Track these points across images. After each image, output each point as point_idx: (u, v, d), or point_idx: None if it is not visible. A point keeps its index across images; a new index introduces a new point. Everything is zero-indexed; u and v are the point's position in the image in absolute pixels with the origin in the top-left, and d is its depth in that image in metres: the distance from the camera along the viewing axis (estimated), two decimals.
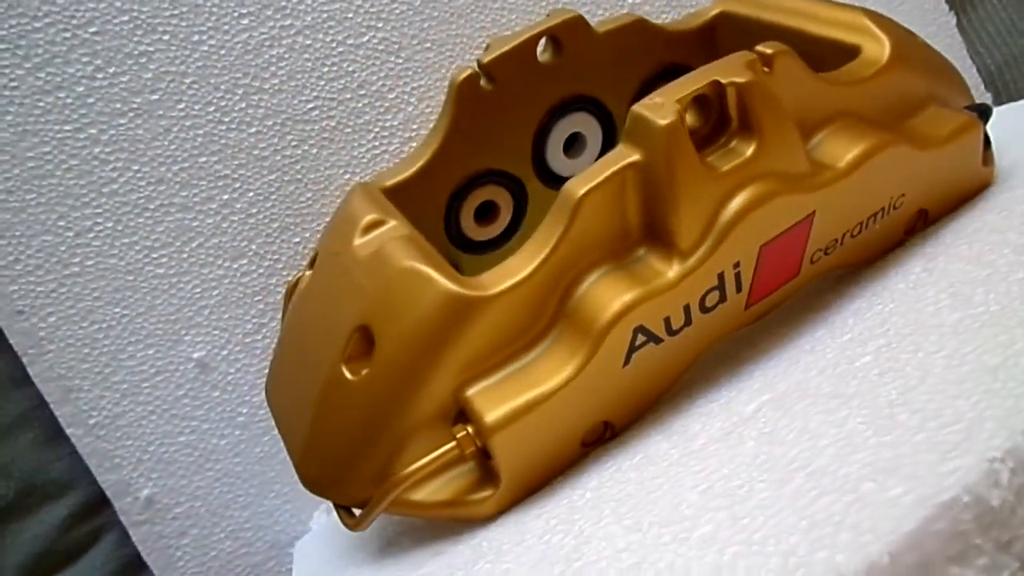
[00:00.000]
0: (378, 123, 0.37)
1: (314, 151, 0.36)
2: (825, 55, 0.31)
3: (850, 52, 0.30)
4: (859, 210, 0.28)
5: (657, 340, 0.25)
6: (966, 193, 0.31)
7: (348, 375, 0.26)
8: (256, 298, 0.36)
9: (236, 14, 0.35)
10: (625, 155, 0.25)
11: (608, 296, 0.25)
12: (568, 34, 0.33)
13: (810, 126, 0.27)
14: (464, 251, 0.35)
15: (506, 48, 0.32)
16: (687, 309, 0.25)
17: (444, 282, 0.25)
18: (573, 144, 0.35)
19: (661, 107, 0.24)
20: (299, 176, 0.36)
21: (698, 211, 0.25)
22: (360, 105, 0.37)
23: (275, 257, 0.36)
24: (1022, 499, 0.15)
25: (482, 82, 0.32)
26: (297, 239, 0.37)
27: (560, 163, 0.35)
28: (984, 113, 0.31)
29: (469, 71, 0.31)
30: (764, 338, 0.28)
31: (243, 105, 0.35)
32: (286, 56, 0.36)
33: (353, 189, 0.31)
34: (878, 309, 0.26)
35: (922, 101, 0.30)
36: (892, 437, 0.18)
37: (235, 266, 0.36)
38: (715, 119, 0.25)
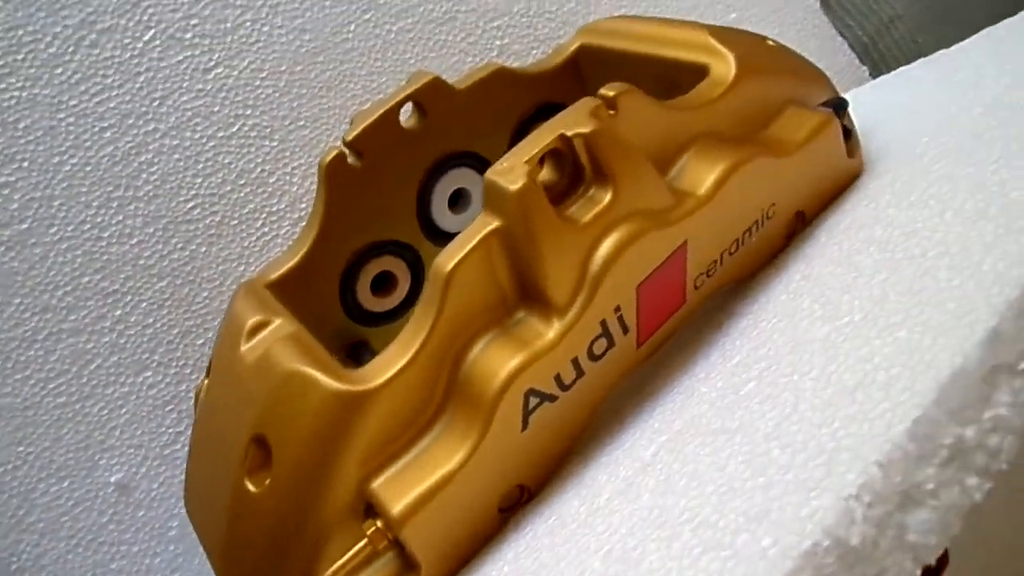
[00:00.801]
0: (264, 209, 0.37)
1: (203, 250, 0.36)
2: (680, 78, 0.31)
3: (700, 72, 0.31)
4: (731, 229, 0.28)
5: (552, 398, 0.25)
6: (838, 187, 0.31)
7: (251, 488, 0.25)
8: (168, 408, 0.35)
9: (96, 128, 0.34)
10: (486, 223, 0.25)
11: (493, 365, 0.25)
12: (428, 97, 0.33)
13: (668, 155, 0.28)
14: (368, 325, 0.35)
15: (368, 122, 0.32)
16: (576, 362, 0.25)
17: (328, 382, 0.24)
18: (458, 200, 0.36)
19: (511, 171, 0.24)
20: (191, 278, 0.36)
21: (567, 266, 0.25)
22: (243, 195, 0.37)
23: (181, 364, 0.35)
24: (883, 529, 0.15)
25: (350, 159, 0.32)
26: (201, 341, 0.36)
27: (448, 221, 0.35)
28: (839, 106, 0.31)
29: (335, 151, 0.31)
30: (662, 370, 0.28)
31: (120, 217, 0.34)
32: (156, 160, 0.35)
33: (237, 291, 0.31)
34: (763, 327, 0.26)
35: (778, 106, 0.31)
36: (766, 478, 0.18)
37: (140, 380, 0.35)
38: (571, 170, 0.26)
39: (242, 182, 0.37)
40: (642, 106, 0.27)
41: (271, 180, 0.37)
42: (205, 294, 0.36)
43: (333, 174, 0.31)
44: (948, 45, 0.43)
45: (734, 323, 0.27)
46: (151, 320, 0.35)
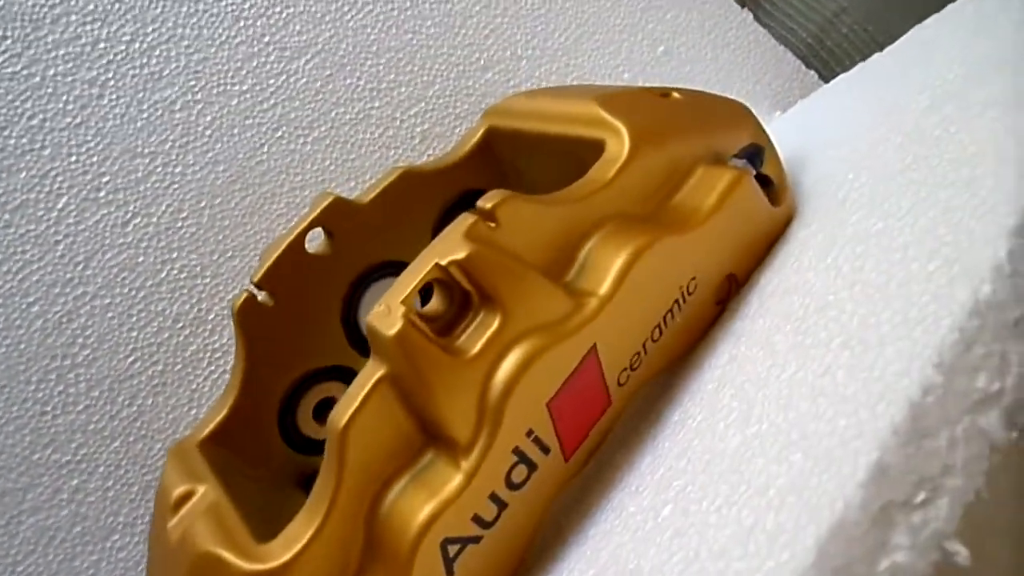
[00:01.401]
0: (207, 348, 0.37)
1: (150, 402, 0.36)
2: (583, 154, 0.30)
3: (597, 147, 0.29)
4: (647, 318, 0.26)
5: (475, 539, 0.24)
6: (768, 239, 0.29)
7: None
8: (140, 568, 0.35)
9: (23, 305, 0.34)
10: (374, 371, 0.24)
11: (404, 517, 0.23)
12: (333, 219, 0.32)
13: (567, 253, 0.26)
14: (319, 454, 0.34)
15: (273, 258, 0.31)
16: (495, 497, 0.24)
17: (237, 564, 0.23)
18: None
19: (388, 315, 0.23)
20: (143, 433, 0.35)
21: (463, 402, 0.23)
22: (182, 339, 0.36)
23: (146, 520, 0.35)
24: None
25: (261, 298, 0.31)
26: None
27: None
28: (755, 154, 0.29)
29: (244, 295, 0.31)
30: (595, 485, 0.26)
31: (61, 387, 0.34)
32: (89, 324, 0.35)
33: (168, 455, 0.30)
34: (689, 425, 0.24)
35: (686, 169, 0.29)
36: None
37: (108, 545, 0.35)
38: (459, 297, 0.24)
39: (180, 325, 0.37)
40: (524, 211, 0.25)
41: (209, 317, 0.37)
42: (159, 446, 0.36)
43: (247, 317, 0.31)
44: (902, 33, 0.40)
45: (666, 417, 0.26)
46: (110, 483, 0.35)
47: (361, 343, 0.34)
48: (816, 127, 0.37)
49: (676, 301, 0.27)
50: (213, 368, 0.37)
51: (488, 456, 0.23)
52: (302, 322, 0.32)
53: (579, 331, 0.24)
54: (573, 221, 0.26)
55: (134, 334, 0.36)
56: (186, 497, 0.27)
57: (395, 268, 0.34)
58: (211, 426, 0.31)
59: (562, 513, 0.26)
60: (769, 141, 0.32)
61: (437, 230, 0.35)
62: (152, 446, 0.36)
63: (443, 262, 0.24)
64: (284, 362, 0.32)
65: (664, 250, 0.26)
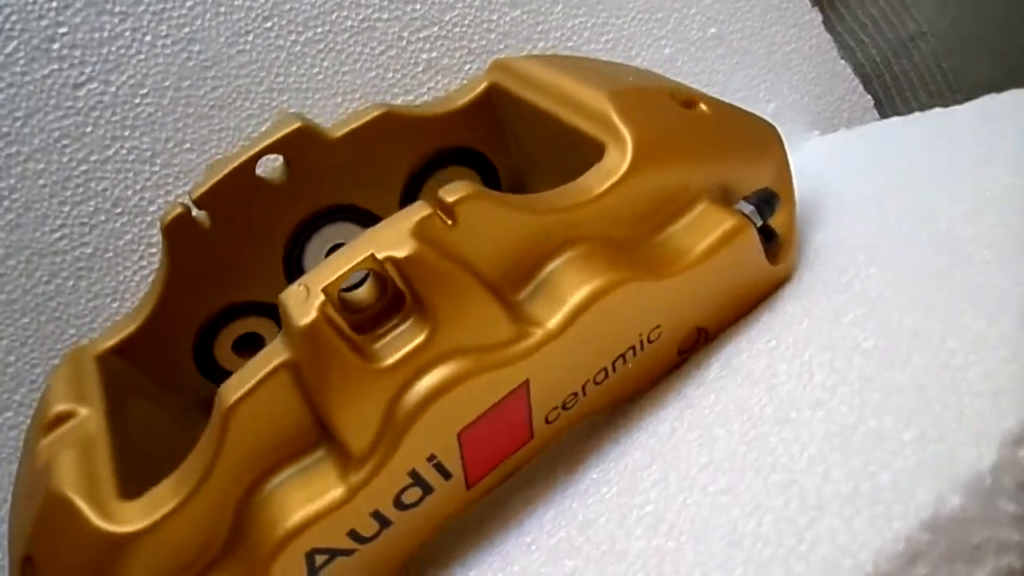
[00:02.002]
0: (143, 241, 0.34)
1: (70, 283, 0.33)
2: (583, 148, 0.26)
3: (598, 149, 0.26)
4: (595, 360, 0.24)
5: (347, 552, 0.22)
6: (754, 297, 0.26)
7: None
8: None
9: None
10: (275, 354, 0.21)
11: (276, 515, 0.21)
12: (294, 148, 0.28)
13: (528, 267, 0.23)
14: None
15: (218, 177, 0.28)
16: (378, 514, 0.22)
17: (90, 518, 0.21)
18: None
19: (304, 300, 0.21)
20: (57, 314, 0.33)
21: (365, 412, 0.21)
22: (118, 225, 0.34)
23: None
24: None
25: (197, 217, 0.28)
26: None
27: None
28: (766, 202, 0.26)
29: (178, 210, 0.28)
30: (498, 513, 0.24)
31: None
32: (18, 187, 0.32)
33: (62, 359, 0.28)
34: (603, 494, 0.22)
35: (688, 198, 0.25)
36: None
37: (0, 421, 0.33)
38: (391, 294, 0.22)
39: (118, 211, 0.34)
40: (490, 214, 0.22)
41: (151, 209, 0.34)
42: (72, 331, 0.34)
43: (176, 234, 0.28)
44: (981, 78, 0.36)
45: (583, 470, 0.23)
46: (12, 359, 0.33)
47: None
48: (852, 169, 0.33)
49: (632, 347, 0.24)
50: (145, 264, 0.35)
51: (379, 474, 0.21)
52: (238, 250, 0.29)
53: (513, 364, 0.22)
54: (545, 233, 0.23)
55: (66, 208, 0.33)
56: (64, 418, 0.25)
57: (353, 214, 0.31)
58: (118, 337, 0.28)
59: (455, 536, 0.25)
60: (789, 181, 0.29)
61: (411, 183, 0.32)
62: (65, 330, 0.34)
63: (380, 255, 0.21)
64: (211, 288, 0.29)
65: (634, 293, 0.23)
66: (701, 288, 0.25)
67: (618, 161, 0.24)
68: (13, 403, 0.33)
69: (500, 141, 0.32)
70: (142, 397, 0.29)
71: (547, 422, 0.24)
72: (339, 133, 0.29)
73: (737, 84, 0.40)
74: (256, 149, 0.28)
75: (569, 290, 0.22)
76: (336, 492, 0.21)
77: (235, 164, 0.28)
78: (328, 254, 0.31)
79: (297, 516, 0.21)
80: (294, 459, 0.22)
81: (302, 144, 0.28)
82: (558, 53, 0.37)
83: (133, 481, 0.24)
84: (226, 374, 0.31)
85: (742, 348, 0.24)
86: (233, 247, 0.29)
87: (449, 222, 0.22)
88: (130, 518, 0.21)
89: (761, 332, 0.24)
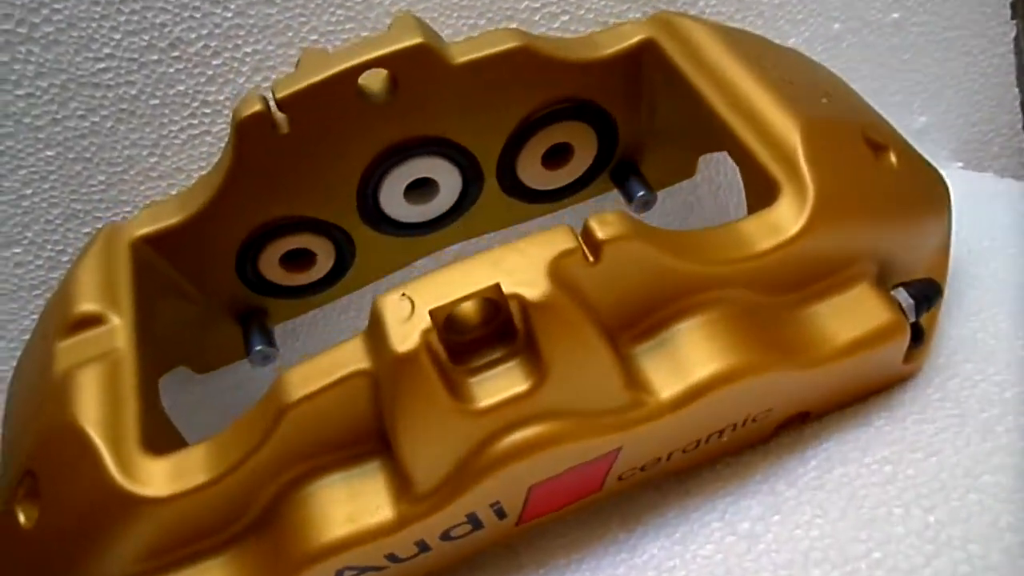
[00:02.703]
0: (197, 97, 0.29)
1: (108, 124, 0.29)
2: (748, 170, 0.22)
3: (767, 186, 0.21)
4: (695, 432, 0.21)
5: (377, 569, 0.20)
6: (868, 389, 0.24)
7: (21, 517, 0.21)
8: (34, 292, 0.30)
9: None
10: (355, 358, 0.18)
11: (316, 522, 0.19)
12: (406, 67, 0.23)
13: (658, 318, 0.20)
14: (270, 295, 0.29)
15: (311, 81, 0.23)
16: (422, 543, 0.20)
17: (107, 469, 0.19)
18: (420, 187, 0.28)
19: (406, 318, 0.17)
20: (87, 155, 0.29)
21: (440, 450, 0.18)
22: (172, 70, 0.28)
23: (58, 248, 0.30)
24: None
25: (277, 119, 0.24)
26: (87, 229, 0.30)
27: (401, 210, 0.27)
28: (928, 297, 0.23)
29: (257, 106, 0.23)
30: (540, 543, 0.23)
31: (4, 58, 0.27)
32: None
33: (95, 238, 0.25)
34: (642, 560, 0.20)
35: (851, 274, 0.22)
36: None
37: (7, 255, 0.30)
38: (502, 324, 0.18)
39: (175, 54, 0.29)
40: (638, 255, 0.18)
41: (214, 62, 0.29)
42: (102, 178, 0.30)
43: (249, 132, 0.23)
44: None
45: (638, 537, 0.21)
46: (29, 192, 0.29)
47: (371, 211, 0.27)
48: (1006, 239, 0.29)
49: (736, 425, 0.22)
50: (195, 123, 0.30)
51: (438, 512, 0.19)
52: (312, 163, 0.25)
53: (615, 433, 0.19)
54: (687, 283, 0.20)
55: (116, 37, 0.27)
56: (91, 321, 0.22)
57: (448, 148, 0.26)
58: (157, 226, 0.25)
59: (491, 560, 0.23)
60: (947, 261, 0.25)
61: (522, 128, 0.27)
62: (94, 175, 0.30)
63: (508, 287, 0.17)
64: (272, 196, 0.25)
65: (764, 380, 0.20)
66: (827, 380, 0.22)
67: (793, 215, 0.20)
68: (24, 239, 0.30)
69: (634, 104, 0.27)
70: (172, 296, 0.26)
71: (619, 479, 0.22)
72: (462, 59, 0.24)
73: (897, 85, 0.35)
74: (363, 59, 0.23)
75: (697, 362, 0.19)
76: (386, 516, 0.19)
77: (333, 71, 0.23)
78: (408, 190, 0.28)
79: (339, 532, 0.19)
80: (345, 464, 0.20)
81: (416, 64, 0.23)
82: (720, 10, 0.31)
83: (155, 413, 0.22)
84: (268, 285, 0.29)
85: (849, 457, 0.21)
86: (307, 159, 0.25)
87: (591, 259, 0.18)
88: (154, 481, 0.19)
89: (874, 445, 0.22)
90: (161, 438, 0.21)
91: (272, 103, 0.23)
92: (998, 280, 0.27)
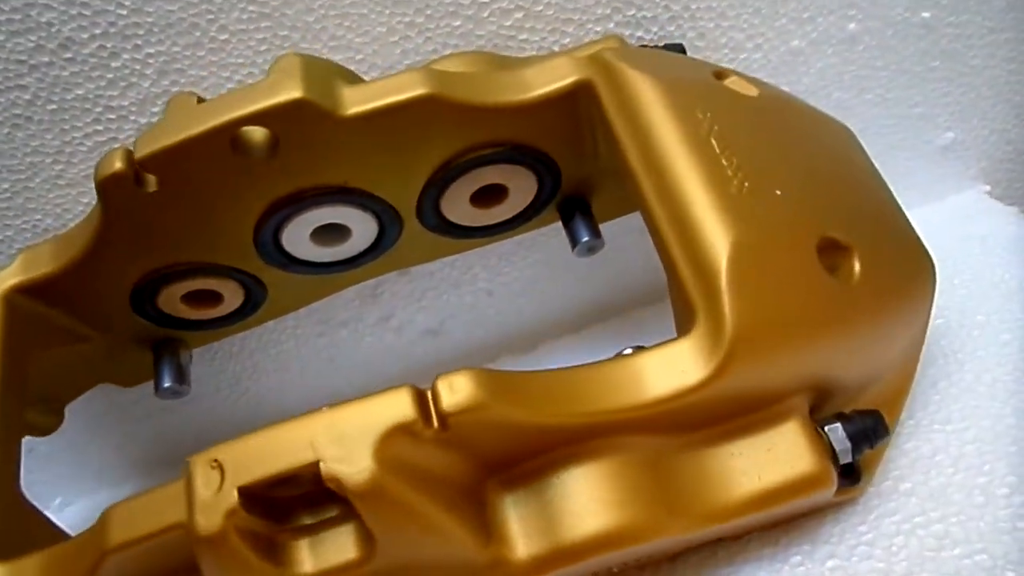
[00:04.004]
0: (99, 102, 0.26)
1: (4, 131, 0.26)
2: (671, 280, 0.19)
3: (687, 309, 0.18)
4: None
5: None
6: (795, 516, 0.21)
7: None
8: None
9: None
10: (175, 509, 0.16)
11: None
12: (287, 125, 0.20)
13: (527, 468, 0.17)
14: (180, 329, 0.27)
15: (175, 140, 0.20)
16: None
17: None
18: (329, 230, 0.25)
19: (215, 490, 0.15)
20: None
21: None
22: (66, 74, 0.25)
23: None
24: None
25: (143, 178, 0.21)
26: None
27: (311, 252, 0.25)
28: (868, 435, 0.19)
29: (118, 166, 0.20)
30: None
31: None
32: None
33: None
34: None
35: (776, 412, 0.18)
36: None
37: None
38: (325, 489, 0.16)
39: (68, 55, 0.25)
40: (497, 423, 0.16)
41: (113, 64, 0.26)
42: (6, 186, 0.27)
43: (112, 193, 0.20)
44: None
45: None
46: None
47: (274, 258, 0.24)
48: (1004, 312, 0.25)
49: (627, 564, 0.20)
50: (101, 128, 0.27)
51: None
52: (193, 218, 0.22)
53: None
54: (562, 435, 0.17)
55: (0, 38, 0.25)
56: None
57: (352, 196, 0.23)
58: (31, 275, 0.23)
59: None
60: (913, 370, 0.22)
61: (443, 173, 0.23)
62: None
63: (325, 468, 0.15)
64: (153, 248, 0.23)
65: (647, 543, 0.18)
66: (739, 523, 0.19)
67: (703, 356, 0.17)
68: None
69: (575, 144, 0.23)
70: (62, 340, 0.24)
71: None
72: (353, 110, 0.20)
73: (921, 95, 0.29)
74: (235, 115, 0.19)
75: (570, 523, 0.17)
76: None
77: (201, 129, 0.19)
78: (316, 232, 0.25)
79: None
80: None
81: (298, 120, 0.20)
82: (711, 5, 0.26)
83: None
84: (174, 320, 0.27)
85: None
86: (186, 212, 0.22)
87: (435, 427, 0.16)
88: None
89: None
90: (16, 535, 0.20)
91: (131, 164, 0.20)
92: (981, 378, 0.23)
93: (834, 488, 0.18)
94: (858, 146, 0.24)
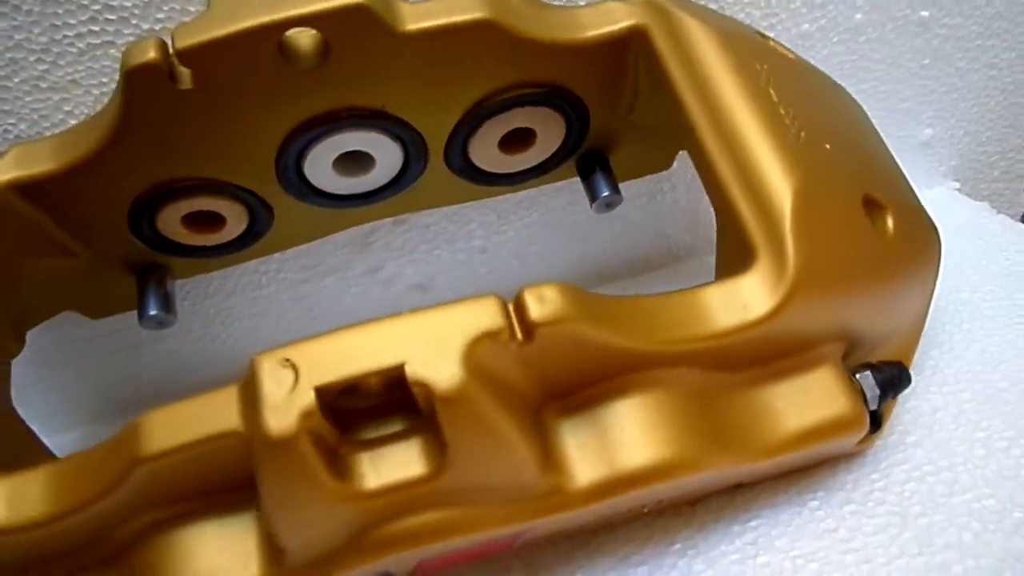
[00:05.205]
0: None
1: None
2: (727, 220, 0.19)
3: (745, 248, 0.18)
4: (611, 511, 0.19)
5: None
6: (810, 465, 0.22)
7: None
8: None
9: None
10: (226, 416, 0.15)
11: (177, 573, 0.17)
12: (342, 32, 0.19)
13: (585, 396, 0.17)
14: (171, 254, 0.25)
15: (221, 34, 0.18)
16: None
17: None
18: (353, 158, 0.24)
19: (287, 393, 0.14)
20: None
21: (318, 534, 0.16)
22: None
23: None
24: None
25: (177, 73, 0.19)
26: None
27: (329, 181, 0.24)
28: (893, 385, 0.20)
29: (151, 55, 0.18)
30: None
31: None
32: None
33: None
34: None
35: (817, 355, 0.19)
36: None
37: None
38: (396, 395, 0.15)
39: None
40: (578, 339, 0.16)
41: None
42: None
43: (140, 85, 0.19)
44: None
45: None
46: None
47: (292, 182, 0.23)
48: (997, 294, 0.26)
49: (662, 501, 0.20)
50: (97, 31, 0.25)
51: None
52: (220, 126, 0.21)
53: (520, 522, 0.17)
54: (629, 361, 0.17)
55: None
56: None
57: (386, 123, 0.22)
58: (27, 172, 0.20)
59: None
60: (920, 332, 0.23)
61: (478, 109, 0.23)
62: None
63: (411, 372, 0.14)
64: (169, 156, 0.21)
65: (697, 473, 0.18)
66: (772, 463, 0.20)
67: (766, 292, 0.18)
68: None
69: (612, 94, 0.24)
70: (46, 250, 0.22)
71: (522, 542, 0.20)
72: (412, 26, 0.20)
73: (910, 90, 0.31)
74: (289, 14, 0.18)
75: (626, 451, 0.17)
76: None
77: (250, 24, 0.18)
78: (339, 160, 0.24)
79: None
80: (219, 512, 0.17)
81: (355, 28, 0.19)
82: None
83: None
84: (167, 243, 0.25)
85: (775, 545, 0.20)
86: (215, 118, 0.20)
87: (520, 339, 0.15)
88: None
89: (805, 534, 0.20)
90: (8, 451, 0.18)
91: (172, 52, 0.19)
92: (971, 347, 0.25)
93: (866, 431, 0.19)
94: (869, 119, 0.25)
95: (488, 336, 0.15)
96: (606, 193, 0.26)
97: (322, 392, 0.14)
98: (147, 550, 0.17)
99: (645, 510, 0.20)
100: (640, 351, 0.17)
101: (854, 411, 0.19)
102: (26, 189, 0.21)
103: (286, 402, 0.14)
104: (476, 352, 0.14)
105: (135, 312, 0.25)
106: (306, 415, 0.14)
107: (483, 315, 0.15)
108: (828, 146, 0.20)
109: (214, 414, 0.15)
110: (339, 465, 0.15)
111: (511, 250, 0.33)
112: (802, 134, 0.19)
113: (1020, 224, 0.30)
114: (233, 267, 0.28)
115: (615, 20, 0.22)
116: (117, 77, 0.24)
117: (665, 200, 0.32)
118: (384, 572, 0.18)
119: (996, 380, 0.23)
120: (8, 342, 0.23)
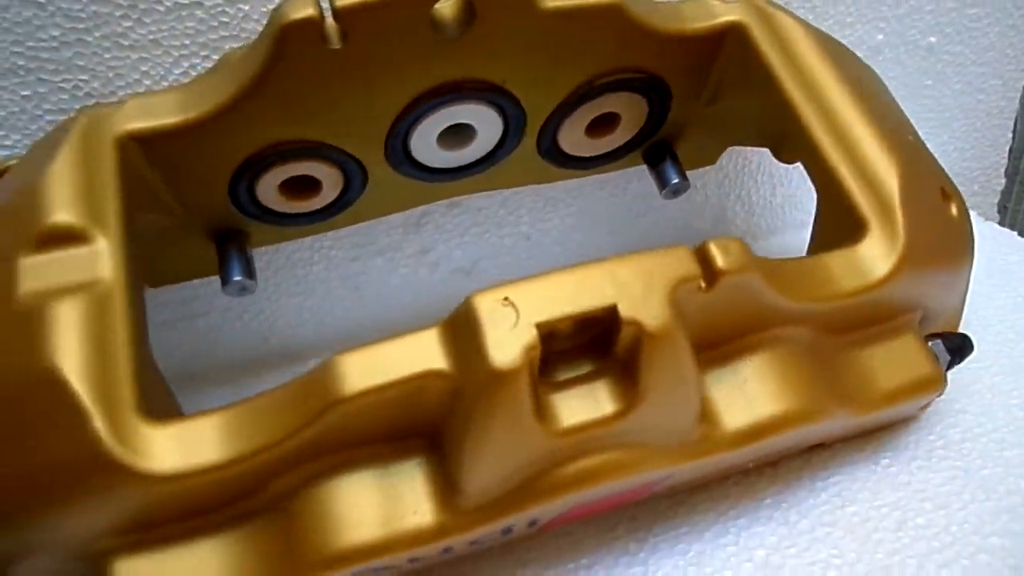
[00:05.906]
0: None
1: None
2: (833, 198, 0.21)
3: (854, 222, 0.21)
4: (736, 463, 0.21)
5: (388, 569, 0.19)
6: (878, 428, 0.24)
7: None
8: None
9: None
10: (432, 355, 0.16)
11: (339, 518, 0.17)
12: (489, 3, 0.20)
13: (729, 349, 0.19)
14: (255, 219, 0.25)
15: None
16: (448, 549, 0.18)
17: (101, 436, 0.16)
18: (455, 132, 0.24)
19: (510, 326, 0.15)
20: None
21: (506, 470, 0.17)
22: None
23: None
24: None
25: (327, 32, 0.20)
26: (26, 91, 0.24)
27: (428, 153, 0.24)
28: (960, 352, 0.23)
29: (309, 11, 0.19)
30: (550, 546, 0.22)
31: None
32: None
33: (75, 122, 0.20)
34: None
35: (905, 321, 0.22)
36: None
37: None
38: (600, 342, 0.16)
39: None
40: (747, 290, 0.17)
41: None
42: (56, 32, 0.24)
43: (291, 41, 0.19)
44: None
45: (648, 550, 0.21)
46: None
47: (395, 151, 0.24)
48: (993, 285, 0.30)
49: (769, 455, 0.21)
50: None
51: (481, 525, 0.17)
52: (352, 90, 0.21)
53: (677, 464, 0.18)
54: (774, 316, 0.19)
55: None
56: (68, 238, 0.18)
57: (501, 98, 0.23)
58: (151, 124, 0.20)
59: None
60: (961, 313, 0.26)
61: (578, 92, 0.24)
62: (46, 25, 0.23)
63: (624, 311, 0.15)
64: (296, 116, 0.21)
65: (824, 421, 0.20)
66: (863, 420, 0.22)
67: (881, 258, 0.20)
68: None
69: (697, 85, 0.25)
70: (150, 208, 0.22)
71: (654, 492, 0.21)
72: (551, 3, 0.21)
73: (913, 107, 0.34)
74: None
75: (765, 400, 0.19)
76: (424, 522, 0.17)
77: None
78: (440, 137, 0.24)
79: (369, 534, 0.17)
80: (383, 460, 0.17)
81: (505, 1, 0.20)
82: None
83: (149, 368, 0.18)
84: (259, 208, 0.25)
85: (859, 497, 0.22)
86: (350, 81, 0.21)
87: (703, 286, 0.16)
88: (155, 453, 0.16)
89: (883, 487, 0.22)
90: (157, 400, 0.17)
91: (328, 10, 0.19)
92: (989, 331, 0.28)
93: (943, 391, 0.22)
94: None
95: (685, 281, 0.16)
96: (676, 180, 0.28)
97: (543, 328, 0.15)
98: (308, 499, 0.17)
99: (751, 465, 0.21)
100: (784, 307, 0.18)
101: (935, 373, 0.21)
102: (145, 141, 0.20)
103: (510, 337, 0.15)
104: (676, 295, 0.16)
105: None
106: (529, 349, 0.15)
107: (680, 262, 0.16)
108: (910, 138, 0.22)
109: (415, 354, 0.16)
110: (538, 404, 0.16)
111: (554, 237, 0.34)
112: (895, 127, 0.22)
113: (1006, 230, 0.34)
114: (284, 243, 0.28)
115: (715, 15, 0.23)
116: (200, 40, 0.25)
117: (696, 197, 0.34)
118: (535, 522, 0.18)
119: (1018, 355, 0.26)
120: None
